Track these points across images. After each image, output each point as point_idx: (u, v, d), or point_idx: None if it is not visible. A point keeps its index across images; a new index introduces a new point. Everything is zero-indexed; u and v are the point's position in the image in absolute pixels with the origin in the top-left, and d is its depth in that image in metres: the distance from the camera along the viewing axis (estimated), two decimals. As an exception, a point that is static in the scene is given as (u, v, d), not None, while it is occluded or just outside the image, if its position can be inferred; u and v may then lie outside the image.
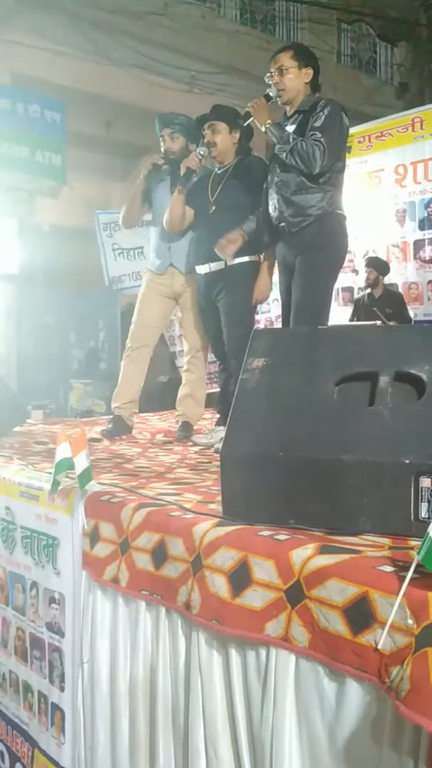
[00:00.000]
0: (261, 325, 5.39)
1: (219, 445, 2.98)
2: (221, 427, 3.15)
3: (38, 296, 6.82)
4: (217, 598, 1.49)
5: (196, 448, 3.10)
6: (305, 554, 1.37)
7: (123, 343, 7.28)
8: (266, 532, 1.50)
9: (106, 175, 8.57)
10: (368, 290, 5.42)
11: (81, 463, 1.92)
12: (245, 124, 2.91)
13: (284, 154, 2.70)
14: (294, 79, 2.78)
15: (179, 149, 3.44)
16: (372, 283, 5.32)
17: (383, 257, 5.52)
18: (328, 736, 1.31)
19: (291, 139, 2.69)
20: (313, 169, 2.65)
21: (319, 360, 1.73)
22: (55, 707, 2.02)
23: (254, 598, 1.42)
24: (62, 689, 1.98)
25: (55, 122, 6.64)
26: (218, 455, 2.79)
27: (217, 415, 3.41)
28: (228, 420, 1.73)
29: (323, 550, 1.37)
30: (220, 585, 1.49)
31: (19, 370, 6.43)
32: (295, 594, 1.35)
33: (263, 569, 1.42)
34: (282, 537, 1.47)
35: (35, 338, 6.75)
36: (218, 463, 2.60)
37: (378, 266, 5.33)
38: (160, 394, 5.76)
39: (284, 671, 1.37)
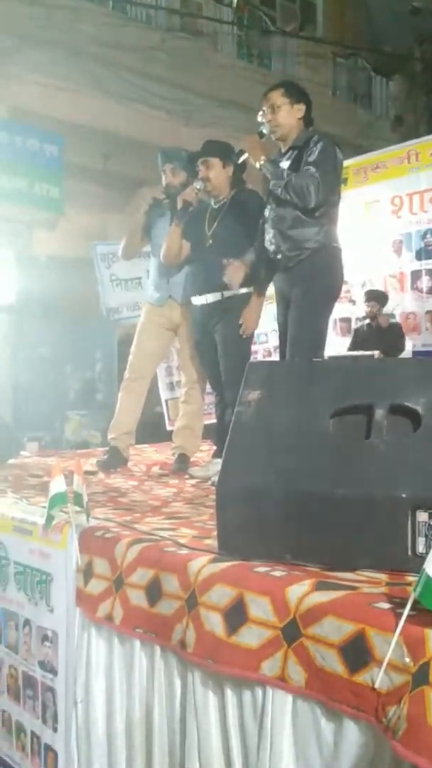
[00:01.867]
0: (259, 355, 5.39)
1: (216, 478, 2.97)
2: (218, 460, 3.12)
3: (34, 327, 6.83)
4: (213, 636, 1.47)
5: (193, 481, 3.08)
6: (301, 591, 1.35)
7: (120, 373, 7.28)
8: (262, 569, 1.48)
9: (103, 207, 8.66)
10: (367, 321, 5.45)
11: (81, 498, 1.91)
12: (240, 161, 2.95)
13: (279, 190, 2.73)
14: (286, 116, 2.82)
15: (180, 184, 3.48)
16: (371, 316, 5.36)
17: (380, 287, 5.56)
18: (327, 781, 1.28)
19: (285, 175, 2.73)
20: (309, 204, 2.68)
21: (314, 393, 1.72)
22: (48, 748, 1.97)
23: (250, 636, 1.39)
24: (55, 729, 1.94)
25: (52, 155, 6.75)
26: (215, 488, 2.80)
27: (214, 447, 3.40)
28: (224, 452, 1.72)
29: (319, 586, 1.35)
30: (215, 622, 1.47)
31: (15, 401, 6.41)
32: (292, 632, 1.33)
33: (259, 606, 1.40)
34: (278, 573, 1.45)
35: (31, 369, 6.74)
36: (214, 497, 2.61)
37: (378, 298, 5.37)
38: (155, 425, 5.73)
39: (281, 711, 1.35)
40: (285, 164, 2.82)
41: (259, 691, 1.40)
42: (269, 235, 2.85)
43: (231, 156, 3.10)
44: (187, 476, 3.21)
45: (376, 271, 5.63)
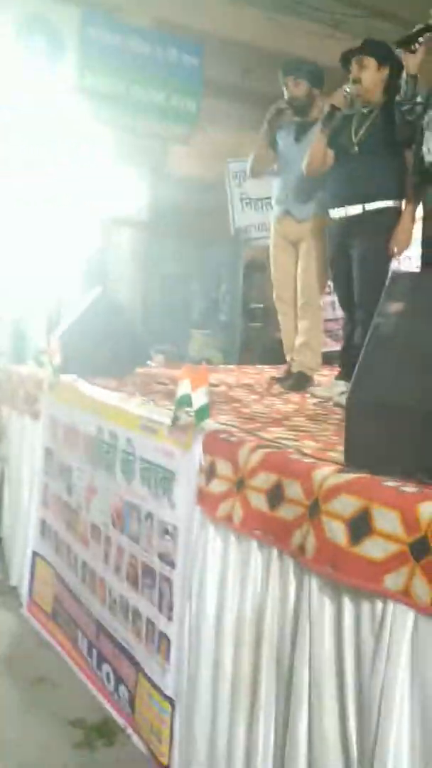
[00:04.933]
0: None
1: (339, 399, 2.89)
2: (342, 382, 3.04)
3: (165, 244, 6.89)
4: (334, 544, 1.44)
5: (314, 401, 3.02)
6: (434, 508, 1.28)
7: (244, 295, 7.28)
8: (391, 483, 1.42)
9: (240, 125, 8.42)
10: None
11: (199, 399, 1.91)
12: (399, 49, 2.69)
13: None
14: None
15: (303, 95, 3.39)
16: None
17: None
18: (444, 699, 1.24)
19: None
20: None
21: (463, 307, 1.59)
22: (162, 635, 2.06)
23: (374, 548, 1.35)
24: (170, 618, 2.02)
25: (192, 67, 6.57)
26: (338, 408, 2.72)
27: (337, 371, 3.31)
28: (358, 364, 1.63)
29: (456, 505, 1.28)
30: (338, 531, 1.44)
31: (144, 315, 6.57)
32: (421, 549, 1.26)
33: (387, 519, 1.34)
34: (409, 489, 1.38)
35: (160, 285, 6.85)
36: (338, 417, 2.55)
37: None
38: (275, 352, 5.69)
39: (401, 627, 1.31)
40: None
41: (378, 604, 1.36)
42: (429, 142, 2.61)
43: (389, 58, 2.86)
44: (308, 395, 3.15)
45: None
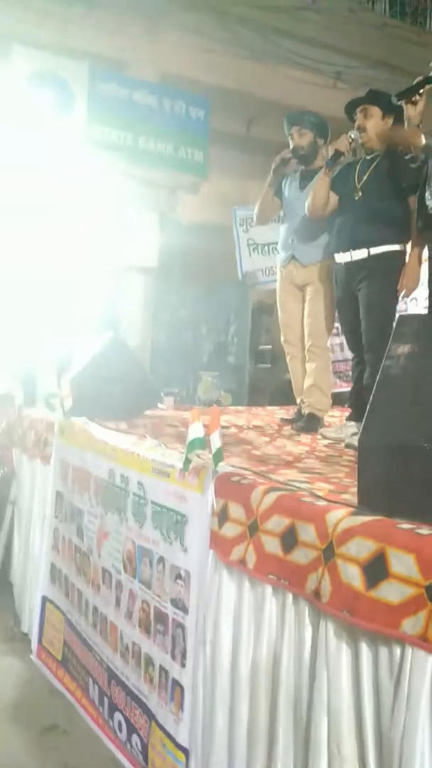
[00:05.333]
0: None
1: (350, 440, 2.90)
2: (353, 423, 3.05)
3: (174, 289, 6.99)
4: (350, 588, 1.43)
5: (326, 442, 3.03)
6: (451, 550, 1.28)
7: (252, 338, 7.34)
8: (406, 525, 1.42)
9: (244, 173, 8.63)
10: None
11: (215, 442, 1.92)
12: (400, 101, 2.77)
13: None
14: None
15: (308, 145, 3.49)
16: None
17: None
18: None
19: None
20: None
21: (472, 348, 1.61)
22: (176, 683, 2.03)
23: (391, 592, 1.34)
24: (183, 665, 1.99)
25: (199, 119, 6.77)
26: (350, 450, 2.73)
27: (347, 412, 3.32)
28: (368, 406, 1.65)
29: (472, 547, 1.27)
30: (353, 575, 1.43)
31: (153, 359, 6.63)
32: (438, 591, 1.26)
33: (402, 563, 1.34)
34: (424, 531, 1.38)
35: (169, 330, 6.93)
36: (350, 458, 2.55)
37: None
38: (284, 393, 5.72)
39: (420, 673, 1.29)
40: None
41: (397, 650, 1.35)
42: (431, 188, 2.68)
43: (393, 107, 2.96)
44: (319, 436, 3.16)
45: None
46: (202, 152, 6.73)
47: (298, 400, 3.60)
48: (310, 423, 3.36)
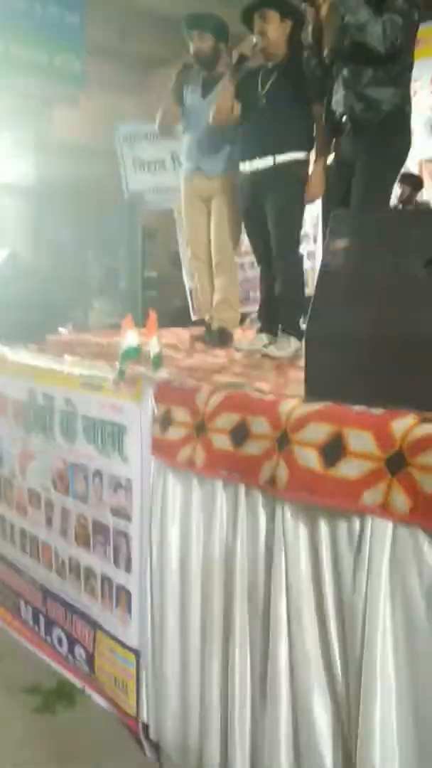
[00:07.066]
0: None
1: (266, 350, 2.96)
2: (265, 335, 3.10)
3: (55, 211, 6.65)
4: (307, 470, 1.49)
5: (240, 354, 3.06)
6: (407, 423, 1.36)
7: (143, 261, 7.18)
8: (359, 408, 1.48)
9: (119, 88, 8.21)
10: (399, 207, 5.27)
11: (153, 347, 1.89)
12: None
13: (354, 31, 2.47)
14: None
15: (209, 49, 3.34)
16: (405, 200, 5.18)
17: (415, 172, 5.34)
18: (426, 603, 1.32)
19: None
20: (384, 46, 2.45)
21: (406, 241, 1.67)
22: (121, 588, 2.05)
23: (350, 468, 1.41)
24: (128, 571, 2.01)
25: (74, 24, 6.30)
26: (269, 359, 2.78)
27: (249, 331, 3.37)
28: (312, 300, 1.68)
29: (425, 420, 1.36)
30: (310, 458, 1.49)
31: (41, 285, 6.34)
32: (397, 462, 1.34)
33: (360, 440, 1.40)
34: (377, 411, 1.45)
35: (53, 255, 6.62)
36: (271, 365, 2.61)
37: (412, 182, 5.18)
38: (172, 320, 5.67)
39: (380, 541, 1.38)
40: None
41: (356, 522, 1.42)
42: (338, 95, 2.67)
43: (291, 11, 2.89)
44: (233, 349, 3.19)
45: (411, 156, 5.38)
46: (79, 60, 6.30)
47: (206, 317, 3.59)
48: (221, 337, 3.38)
